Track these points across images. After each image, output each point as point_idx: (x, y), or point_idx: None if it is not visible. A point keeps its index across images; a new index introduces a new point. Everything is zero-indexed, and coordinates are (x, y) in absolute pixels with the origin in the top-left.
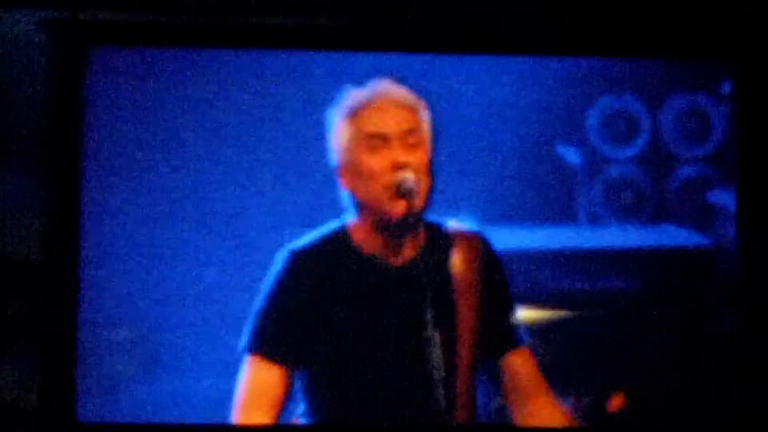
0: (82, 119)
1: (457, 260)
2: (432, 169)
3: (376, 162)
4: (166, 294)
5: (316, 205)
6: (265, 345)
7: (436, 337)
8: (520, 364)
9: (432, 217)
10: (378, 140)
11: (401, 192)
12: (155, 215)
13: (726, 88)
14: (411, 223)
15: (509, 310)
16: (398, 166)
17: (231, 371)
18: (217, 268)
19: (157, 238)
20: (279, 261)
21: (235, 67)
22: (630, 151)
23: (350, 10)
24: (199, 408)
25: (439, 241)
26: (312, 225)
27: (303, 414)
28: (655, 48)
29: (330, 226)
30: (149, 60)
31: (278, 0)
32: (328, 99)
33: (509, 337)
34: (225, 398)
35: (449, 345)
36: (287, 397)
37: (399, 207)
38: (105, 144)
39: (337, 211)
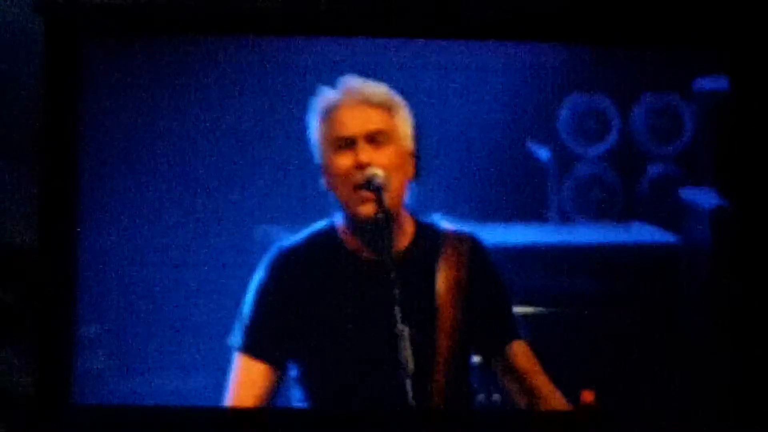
0: (77, 107)
1: (443, 259)
2: (407, 166)
3: (342, 162)
4: (162, 280)
5: (309, 200)
6: (252, 344)
7: (406, 332)
8: (519, 356)
9: (425, 217)
10: (344, 141)
11: (371, 187)
12: (150, 203)
13: (697, 85)
14: (381, 220)
15: (503, 306)
16: (360, 166)
17: (223, 363)
18: (212, 255)
19: (152, 227)
20: (267, 258)
21: (229, 54)
22: (600, 149)
23: None
24: (194, 395)
25: (428, 239)
26: (303, 221)
27: (299, 401)
28: (644, 39)
29: (320, 224)
30: (144, 47)
31: None
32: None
33: (506, 331)
34: (219, 385)
35: (424, 340)
36: (274, 392)
37: (366, 208)
38: (100, 132)
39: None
